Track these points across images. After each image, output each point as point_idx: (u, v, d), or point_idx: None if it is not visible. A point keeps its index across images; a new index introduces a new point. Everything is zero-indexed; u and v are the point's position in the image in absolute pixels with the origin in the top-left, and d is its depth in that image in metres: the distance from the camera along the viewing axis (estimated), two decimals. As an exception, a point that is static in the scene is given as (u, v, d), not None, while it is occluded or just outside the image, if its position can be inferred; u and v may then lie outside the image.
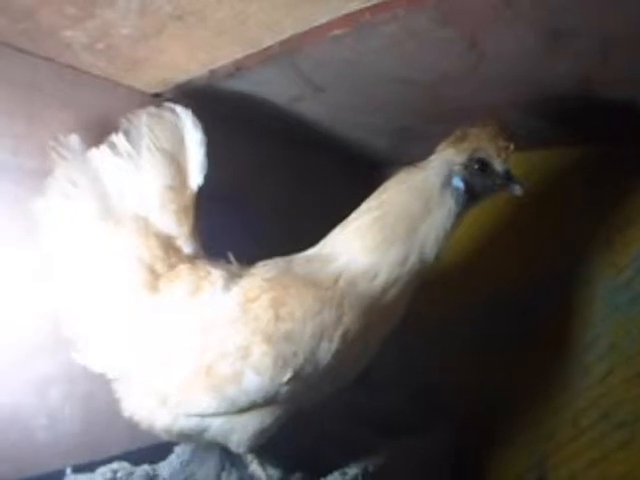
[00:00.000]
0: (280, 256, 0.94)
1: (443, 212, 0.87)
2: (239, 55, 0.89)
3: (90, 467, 0.92)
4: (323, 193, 1.48)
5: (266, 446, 0.89)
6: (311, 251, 0.94)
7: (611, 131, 1.12)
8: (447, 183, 0.88)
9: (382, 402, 1.27)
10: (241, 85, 1.00)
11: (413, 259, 0.87)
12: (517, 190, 0.89)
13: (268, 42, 0.84)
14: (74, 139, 0.88)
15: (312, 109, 1.12)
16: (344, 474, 0.94)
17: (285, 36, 0.82)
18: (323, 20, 0.77)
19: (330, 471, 0.95)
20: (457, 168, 0.88)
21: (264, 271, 0.90)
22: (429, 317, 1.41)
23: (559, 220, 1.27)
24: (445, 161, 0.89)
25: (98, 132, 0.91)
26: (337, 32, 0.78)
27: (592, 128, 1.11)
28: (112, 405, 0.88)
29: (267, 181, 1.31)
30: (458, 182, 0.87)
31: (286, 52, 0.85)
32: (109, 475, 0.91)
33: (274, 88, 1.02)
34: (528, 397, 1.26)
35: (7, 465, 0.86)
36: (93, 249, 0.87)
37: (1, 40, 0.87)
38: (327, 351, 0.82)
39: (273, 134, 1.29)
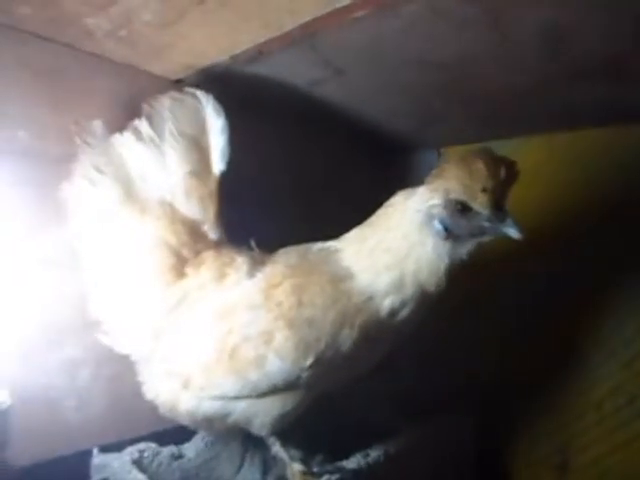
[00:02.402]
0: (300, 242, 0.95)
1: (426, 249, 0.81)
2: (260, 39, 0.89)
3: (117, 447, 0.94)
4: (345, 178, 1.47)
5: (289, 428, 0.90)
6: (331, 244, 0.94)
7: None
8: (426, 223, 0.81)
9: (403, 386, 1.28)
10: (262, 70, 1.00)
11: (410, 288, 0.82)
12: (512, 234, 0.80)
13: (289, 26, 0.84)
14: (97, 124, 0.89)
15: (334, 92, 1.11)
16: (366, 456, 0.95)
17: (306, 19, 0.81)
18: (344, 2, 0.75)
19: (352, 453, 0.96)
20: (436, 210, 0.81)
21: (286, 258, 0.91)
22: (450, 302, 1.41)
23: (584, 205, 1.25)
24: (424, 200, 0.82)
25: (120, 119, 0.92)
26: (358, 14, 0.77)
27: (620, 108, 1.09)
28: (139, 387, 0.90)
29: (288, 166, 1.31)
30: (437, 225, 0.81)
31: (307, 35, 0.84)
32: (136, 455, 0.93)
33: (295, 72, 1.01)
34: (551, 381, 1.25)
35: (38, 444, 0.88)
36: (119, 234, 0.88)
37: (25, 28, 0.88)
38: (348, 337, 0.82)
39: (294, 118, 1.28)
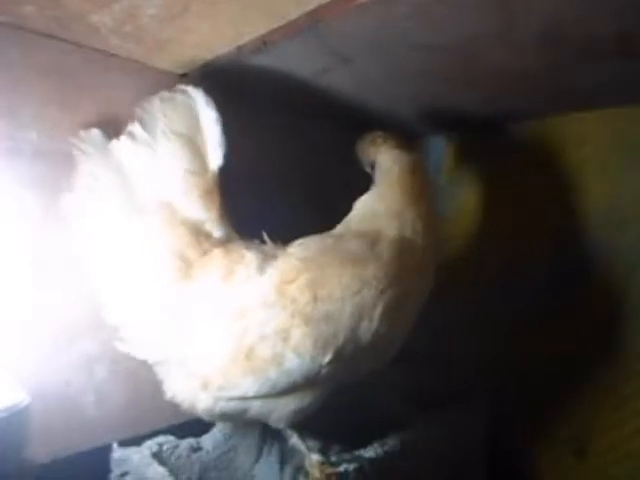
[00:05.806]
0: (311, 234, 0.94)
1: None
2: (265, 30, 0.88)
3: (136, 441, 0.95)
4: (354, 167, 1.46)
5: (306, 420, 0.90)
6: (345, 226, 0.94)
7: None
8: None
9: (418, 375, 1.28)
10: (268, 60, 0.99)
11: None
12: None
13: (293, 15, 0.83)
14: (94, 132, 0.89)
15: (341, 81, 1.10)
16: (383, 445, 0.95)
17: (310, 7, 0.80)
18: (348, -11, 0.75)
19: (369, 442, 0.96)
20: None
21: (299, 250, 0.90)
22: (460, 290, 1.41)
23: (599, 188, 1.24)
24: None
25: (128, 114, 0.91)
26: (363, 1, 0.76)
27: (630, 89, 1.07)
28: (156, 381, 0.90)
29: (297, 156, 1.31)
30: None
31: (312, 24, 0.83)
32: (155, 448, 0.94)
33: (301, 61, 1.00)
34: (566, 367, 1.24)
35: (58, 441, 0.90)
36: (124, 241, 0.87)
37: (31, 28, 0.88)
38: (367, 330, 0.82)
39: (302, 108, 1.28)
